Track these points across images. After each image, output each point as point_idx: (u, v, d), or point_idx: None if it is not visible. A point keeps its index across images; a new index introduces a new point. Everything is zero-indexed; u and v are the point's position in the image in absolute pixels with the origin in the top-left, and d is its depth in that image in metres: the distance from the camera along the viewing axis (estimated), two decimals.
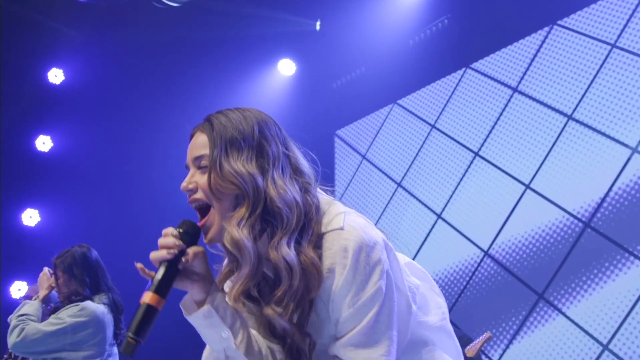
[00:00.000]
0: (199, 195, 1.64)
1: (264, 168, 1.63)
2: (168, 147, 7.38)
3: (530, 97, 5.69)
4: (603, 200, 5.07)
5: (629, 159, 5.01)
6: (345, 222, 1.59)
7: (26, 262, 6.62)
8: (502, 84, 5.90)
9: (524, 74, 5.79)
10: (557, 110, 5.49)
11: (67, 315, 3.52)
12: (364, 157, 6.82)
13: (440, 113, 6.26)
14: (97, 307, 3.59)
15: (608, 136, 5.16)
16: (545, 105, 5.58)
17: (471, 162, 5.91)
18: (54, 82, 7.24)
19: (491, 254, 5.56)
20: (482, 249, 5.62)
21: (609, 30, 5.37)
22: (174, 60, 7.09)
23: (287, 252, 1.55)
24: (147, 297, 1.50)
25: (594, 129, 5.25)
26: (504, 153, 5.73)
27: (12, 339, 3.51)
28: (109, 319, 3.63)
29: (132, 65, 7.11)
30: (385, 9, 6.31)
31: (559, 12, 5.67)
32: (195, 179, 1.65)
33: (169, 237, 1.57)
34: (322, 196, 1.70)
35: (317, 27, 6.76)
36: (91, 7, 6.80)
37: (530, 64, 5.77)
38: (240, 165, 1.61)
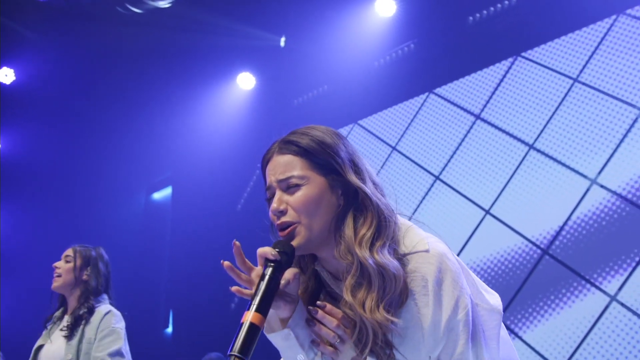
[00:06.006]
0: (288, 217, 1.62)
1: (363, 180, 1.69)
2: (120, 149, 7.24)
3: (493, 125, 5.83)
4: (562, 228, 5.22)
5: (587, 190, 5.18)
6: (430, 246, 1.62)
7: None
8: (465, 110, 6.02)
9: (487, 102, 5.93)
10: (519, 139, 5.64)
11: (114, 323, 3.40)
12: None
13: (402, 135, 6.33)
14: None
15: (568, 167, 5.33)
16: (507, 133, 5.72)
17: (431, 186, 5.99)
18: (3, 82, 7.00)
19: None
20: None
21: (572, 65, 5.56)
22: (131, 65, 6.97)
23: (390, 259, 1.58)
24: (250, 316, 1.48)
25: (555, 159, 5.41)
26: (465, 178, 5.84)
27: None
28: None
29: (88, 69, 6.95)
30: (352, 30, 6.37)
31: (523, 44, 5.83)
32: (286, 199, 1.64)
33: (268, 253, 1.56)
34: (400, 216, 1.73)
35: (282, 44, 6.75)
36: (48, 7, 6.60)
37: (493, 93, 5.91)
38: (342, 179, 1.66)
